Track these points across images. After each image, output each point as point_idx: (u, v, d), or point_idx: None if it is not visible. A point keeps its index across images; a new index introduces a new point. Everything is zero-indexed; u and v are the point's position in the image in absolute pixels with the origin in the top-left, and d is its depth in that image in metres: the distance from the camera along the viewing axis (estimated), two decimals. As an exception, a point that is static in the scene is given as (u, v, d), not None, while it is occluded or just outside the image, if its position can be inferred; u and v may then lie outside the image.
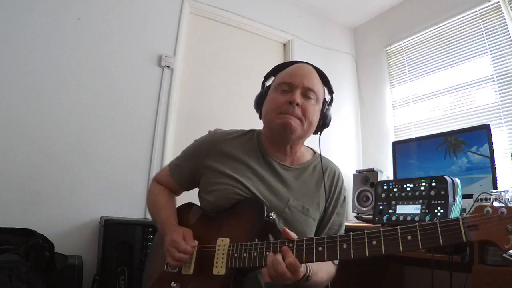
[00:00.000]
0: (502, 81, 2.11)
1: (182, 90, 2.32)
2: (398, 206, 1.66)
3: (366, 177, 2.38)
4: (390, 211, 1.68)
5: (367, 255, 0.68)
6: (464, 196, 1.60)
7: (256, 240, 0.85)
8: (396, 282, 2.31)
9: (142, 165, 2.08)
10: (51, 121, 1.86)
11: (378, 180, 2.26)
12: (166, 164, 1.21)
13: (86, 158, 1.92)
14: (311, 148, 1.17)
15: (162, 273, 0.99)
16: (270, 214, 0.90)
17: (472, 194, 1.69)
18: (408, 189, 1.65)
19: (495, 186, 1.72)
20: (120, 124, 2.05)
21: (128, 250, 1.64)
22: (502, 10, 2.15)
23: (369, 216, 2.07)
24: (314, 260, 0.74)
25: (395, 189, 1.70)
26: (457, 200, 1.53)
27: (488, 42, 2.21)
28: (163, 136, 2.16)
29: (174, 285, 0.93)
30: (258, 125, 1.14)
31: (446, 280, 1.38)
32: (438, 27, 2.52)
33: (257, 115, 1.11)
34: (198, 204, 1.11)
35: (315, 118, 1.04)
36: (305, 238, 0.77)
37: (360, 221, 2.22)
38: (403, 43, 2.79)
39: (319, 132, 1.09)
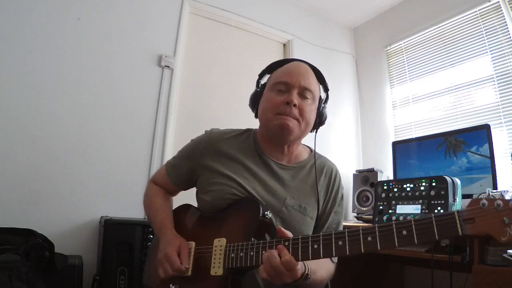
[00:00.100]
0: (502, 81, 2.11)
1: (182, 90, 2.32)
2: (398, 206, 1.66)
3: (366, 177, 2.38)
4: (390, 211, 1.68)
5: (362, 251, 0.68)
6: (464, 196, 1.60)
7: (253, 239, 0.85)
8: (396, 282, 2.31)
9: (142, 165, 2.08)
10: (51, 121, 1.86)
11: (378, 180, 2.26)
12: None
13: (86, 158, 1.92)
14: (308, 147, 1.17)
15: (158, 274, 0.99)
16: (266, 213, 0.90)
17: (472, 194, 1.69)
18: (408, 189, 1.65)
19: (495, 186, 1.72)
20: (120, 124, 2.05)
21: (128, 250, 1.64)
22: (502, 10, 2.15)
23: (369, 216, 2.07)
24: (310, 258, 0.74)
25: (395, 189, 1.70)
26: (457, 200, 1.53)
27: (488, 42, 2.21)
28: (163, 136, 2.16)
29: (173, 286, 0.93)
30: (258, 125, 1.14)
31: (446, 280, 1.38)
32: (438, 27, 2.52)
33: None
34: (195, 204, 1.11)
35: (312, 117, 1.04)
36: (300, 236, 0.77)
37: (360, 221, 2.23)
38: (403, 43, 2.79)
39: (315, 130, 1.09)
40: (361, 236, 0.68)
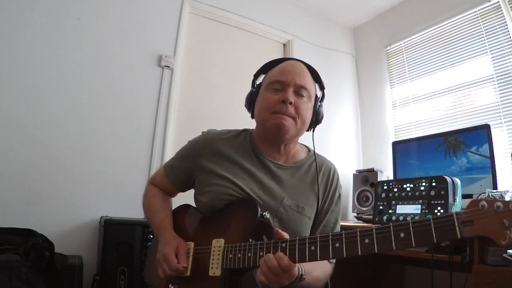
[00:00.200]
0: (502, 81, 2.11)
1: (182, 90, 2.32)
2: (398, 206, 1.66)
3: (366, 177, 2.38)
4: (390, 211, 1.68)
5: (359, 253, 0.67)
6: (464, 196, 1.60)
7: (250, 240, 0.84)
8: (396, 282, 2.31)
9: (142, 165, 2.08)
10: (51, 121, 1.86)
11: (378, 180, 2.26)
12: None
13: (86, 158, 1.92)
14: (305, 146, 1.17)
15: (160, 275, 0.99)
16: (264, 213, 0.90)
17: (472, 194, 1.69)
18: (408, 189, 1.65)
19: (495, 186, 1.72)
20: (120, 124, 2.05)
21: (128, 250, 1.64)
22: (502, 10, 2.15)
23: (369, 216, 2.07)
24: (307, 260, 0.74)
25: (395, 189, 1.70)
26: (457, 200, 1.53)
27: (488, 42, 2.21)
28: (163, 136, 2.16)
29: (172, 287, 0.93)
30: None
31: (446, 280, 1.38)
32: (438, 27, 2.52)
33: None
34: (194, 205, 1.11)
35: (308, 115, 1.03)
36: (297, 237, 0.76)
37: (360, 221, 2.23)
38: (403, 43, 2.79)
39: (312, 129, 1.09)
40: (358, 238, 0.68)
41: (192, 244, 0.96)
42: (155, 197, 1.15)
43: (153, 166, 2.09)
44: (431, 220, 0.61)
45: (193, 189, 1.13)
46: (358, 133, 3.05)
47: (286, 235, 0.80)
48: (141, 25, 2.22)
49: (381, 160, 2.72)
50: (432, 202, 1.54)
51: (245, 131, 1.14)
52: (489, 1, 2.20)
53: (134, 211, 1.87)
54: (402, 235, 0.63)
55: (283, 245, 0.77)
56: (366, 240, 0.67)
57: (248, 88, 1.12)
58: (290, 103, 0.97)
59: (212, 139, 1.09)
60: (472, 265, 1.28)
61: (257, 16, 2.71)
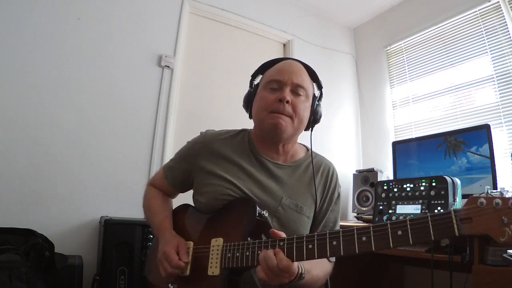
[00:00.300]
0: (502, 81, 2.11)
1: (182, 90, 2.32)
2: (398, 206, 1.67)
3: (366, 177, 2.38)
4: (390, 211, 1.68)
5: (357, 251, 0.67)
6: (464, 196, 1.60)
7: (249, 239, 0.84)
8: (396, 282, 2.31)
9: (142, 165, 2.08)
10: (51, 121, 1.86)
11: (378, 180, 2.26)
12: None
13: (86, 158, 1.92)
14: (304, 145, 1.16)
15: (159, 274, 0.99)
16: (262, 212, 0.90)
17: (472, 194, 1.69)
18: (408, 189, 1.65)
19: (495, 186, 1.72)
20: (120, 124, 2.05)
21: (128, 250, 1.64)
22: (502, 10, 2.15)
23: (369, 216, 2.07)
24: (305, 258, 0.74)
25: (395, 189, 1.70)
26: (457, 200, 1.53)
27: (488, 42, 2.21)
28: (163, 136, 2.16)
29: (171, 286, 0.93)
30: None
31: (446, 280, 1.38)
32: (438, 27, 2.52)
33: None
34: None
35: (306, 114, 1.03)
36: (295, 236, 0.76)
37: (360, 221, 2.23)
38: (403, 43, 2.79)
39: (310, 128, 1.08)
40: (355, 236, 0.68)
41: (191, 243, 0.96)
42: (155, 198, 1.15)
43: (153, 166, 2.09)
44: (429, 217, 0.60)
45: (192, 189, 1.13)
46: (358, 133, 3.05)
47: (282, 234, 0.80)
48: (141, 25, 2.22)
49: (381, 160, 2.72)
50: (432, 202, 1.55)
51: (243, 131, 1.14)
52: (489, 1, 2.20)
53: (134, 211, 1.87)
54: (399, 232, 0.63)
55: (281, 243, 0.77)
56: (364, 238, 0.67)
57: (248, 88, 1.12)
58: (287, 102, 0.97)
59: (210, 139, 1.09)
60: (472, 265, 1.28)
61: (257, 16, 2.71)
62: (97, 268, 1.70)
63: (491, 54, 2.18)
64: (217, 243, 0.90)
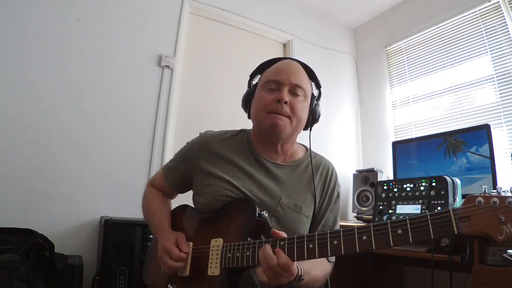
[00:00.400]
0: (502, 81, 2.11)
1: (182, 90, 2.32)
2: (398, 206, 1.67)
3: (366, 177, 2.38)
4: (390, 211, 1.68)
5: (357, 250, 0.68)
6: (464, 196, 1.60)
7: (249, 239, 0.85)
8: (396, 282, 2.31)
9: (142, 165, 2.08)
10: (51, 121, 1.86)
11: (378, 180, 2.26)
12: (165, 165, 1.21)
13: (86, 158, 1.92)
14: (303, 145, 1.16)
15: (159, 275, 0.99)
16: (262, 213, 0.90)
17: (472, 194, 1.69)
18: (408, 189, 1.65)
19: (495, 186, 1.72)
20: (120, 124, 2.05)
21: (128, 250, 1.64)
22: (502, 10, 2.15)
23: (369, 216, 2.07)
24: (305, 258, 0.74)
25: (395, 189, 1.70)
26: (457, 200, 1.53)
27: (488, 42, 2.21)
28: (163, 136, 2.16)
29: (171, 286, 0.93)
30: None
31: (446, 280, 1.38)
32: (438, 27, 2.52)
33: None
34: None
35: (304, 114, 1.03)
36: (295, 235, 0.77)
37: (360, 221, 2.23)
38: (403, 43, 2.79)
39: (309, 128, 1.08)
40: (356, 235, 0.68)
41: (191, 244, 0.96)
42: (154, 198, 1.15)
43: (153, 166, 2.09)
44: (428, 216, 0.61)
45: (191, 190, 1.13)
46: (358, 133, 3.05)
47: (283, 234, 0.80)
48: (141, 25, 2.22)
49: (381, 160, 2.72)
50: (432, 202, 1.55)
51: (242, 131, 1.14)
52: (489, 1, 2.20)
53: (134, 211, 1.86)
54: (399, 231, 0.64)
55: (282, 243, 0.77)
56: (364, 237, 0.67)
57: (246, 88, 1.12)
58: (285, 102, 0.97)
59: (209, 140, 1.09)
60: (472, 265, 1.29)
61: (257, 16, 2.71)
62: (97, 268, 1.70)
63: (491, 54, 2.19)
64: (217, 243, 0.90)
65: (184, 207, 1.12)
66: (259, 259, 0.78)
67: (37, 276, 1.36)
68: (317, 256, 0.73)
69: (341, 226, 1.11)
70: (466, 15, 2.35)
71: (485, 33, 2.23)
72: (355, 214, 2.37)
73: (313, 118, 1.07)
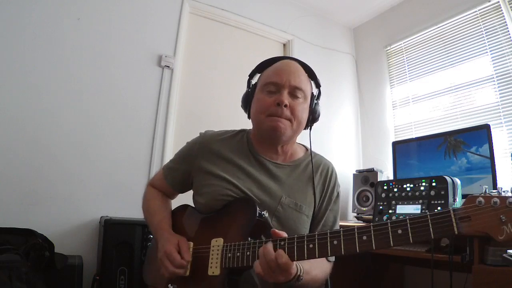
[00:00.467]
0: (502, 81, 2.11)
1: (182, 90, 2.32)
2: (398, 206, 1.67)
3: (366, 177, 2.38)
4: (390, 211, 1.68)
5: (357, 251, 0.67)
6: (464, 196, 1.60)
7: (249, 239, 0.85)
8: (396, 282, 2.31)
9: (142, 165, 2.08)
10: (51, 121, 1.86)
11: (378, 180, 2.26)
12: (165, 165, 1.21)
13: (86, 158, 1.92)
14: (303, 145, 1.17)
15: (159, 275, 0.99)
16: (262, 212, 0.90)
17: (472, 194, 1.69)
18: (408, 189, 1.65)
19: (495, 186, 1.72)
20: (120, 124, 2.05)
21: (128, 250, 1.64)
22: (502, 10, 2.15)
23: (369, 216, 2.07)
24: (306, 258, 0.74)
25: (395, 189, 1.70)
26: (457, 200, 1.53)
27: (488, 42, 2.21)
28: (163, 136, 2.16)
29: (171, 287, 0.93)
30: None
31: (446, 280, 1.38)
32: (438, 27, 2.52)
33: None
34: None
35: (304, 116, 1.03)
36: (296, 235, 0.77)
37: (360, 221, 2.23)
38: (403, 43, 2.79)
39: (309, 127, 1.08)
40: (356, 235, 0.68)
41: (191, 243, 0.96)
42: (154, 198, 1.15)
43: (153, 166, 2.09)
44: (428, 216, 0.61)
45: (192, 190, 1.13)
46: (358, 133, 3.05)
47: (283, 234, 0.80)
48: (141, 25, 2.22)
49: (381, 160, 2.72)
50: (432, 202, 1.55)
51: (242, 131, 1.14)
52: (489, 1, 2.20)
53: (134, 211, 1.87)
54: (399, 231, 0.64)
55: (282, 243, 0.77)
56: (364, 237, 0.67)
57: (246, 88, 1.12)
58: (285, 105, 0.97)
59: (209, 140, 1.09)
60: (472, 265, 1.29)
61: (257, 16, 2.71)
62: (97, 268, 1.70)
63: (491, 54, 2.19)
64: (217, 243, 0.90)
65: (184, 207, 1.12)
66: (259, 257, 0.78)
67: (37, 276, 1.36)
68: (317, 256, 0.73)
69: (341, 226, 1.11)
70: (466, 15, 2.35)
71: (485, 33, 2.23)
72: (355, 214, 2.37)
73: (313, 118, 1.07)
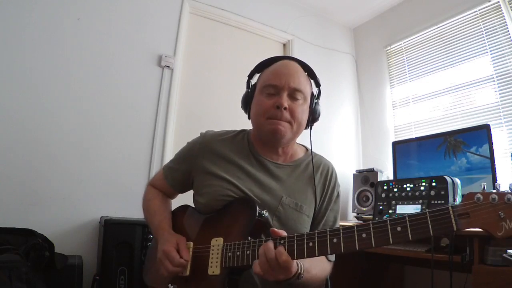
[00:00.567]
0: (502, 81, 2.11)
1: (182, 90, 2.32)
2: (398, 206, 1.67)
3: (366, 177, 2.38)
4: (390, 211, 1.68)
5: (357, 248, 0.67)
6: (464, 196, 1.60)
7: (249, 238, 0.85)
8: (396, 282, 2.31)
9: (142, 165, 2.08)
10: (51, 121, 1.86)
11: (378, 180, 2.26)
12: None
13: (86, 158, 1.92)
14: (303, 145, 1.17)
15: (159, 275, 0.99)
16: (262, 212, 0.90)
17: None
18: (408, 189, 1.65)
19: (495, 186, 1.72)
20: (120, 124, 2.05)
21: (128, 250, 1.64)
22: (502, 10, 2.15)
23: (369, 216, 2.07)
24: (305, 256, 0.74)
25: (395, 189, 1.70)
26: (457, 200, 1.53)
27: (488, 42, 2.21)
28: (163, 136, 2.16)
29: (171, 286, 0.93)
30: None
31: (446, 280, 1.38)
32: (438, 27, 2.52)
33: None
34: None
35: (304, 117, 1.03)
36: (295, 234, 0.77)
37: (360, 221, 2.23)
38: (403, 43, 2.79)
39: (309, 127, 1.08)
40: (355, 233, 0.68)
41: (191, 243, 0.96)
42: (154, 198, 1.15)
43: (153, 166, 2.09)
44: (427, 213, 0.61)
45: (192, 190, 1.13)
46: (358, 133, 3.05)
47: (283, 233, 0.80)
48: (141, 25, 2.22)
49: (381, 160, 2.72)
50: (432, 202, 1.55)
51: (243, 131, 1.14)
52: (489, 1, 2.20)
53: (134, 211, 1.87)
54: (398, 229, 0.64)
55: (282, 242, 0.77)
56: (363, 235, 0.67)
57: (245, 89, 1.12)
58: (285, 108, 0.97)
59: (209, 140, 1.09)
60: (472, 265, 1.29)
61: (257, 16, 2.71)
62: (97, 268, 1.70)
63: (491, 54, 2.19)
64: (217, 242, 0.90)
65: (184, 207, 1.12)
66: (259, 256, 0.77)
67: (37, 276, 1.36)
68: (317, 254, 0.73)
69: (341, 226, 1.11)
70: (466, 15, 2.35)
71: (485, 33, 2.23)
72: (355, 214, 2.37)
73: (313, 118, 1.07)
